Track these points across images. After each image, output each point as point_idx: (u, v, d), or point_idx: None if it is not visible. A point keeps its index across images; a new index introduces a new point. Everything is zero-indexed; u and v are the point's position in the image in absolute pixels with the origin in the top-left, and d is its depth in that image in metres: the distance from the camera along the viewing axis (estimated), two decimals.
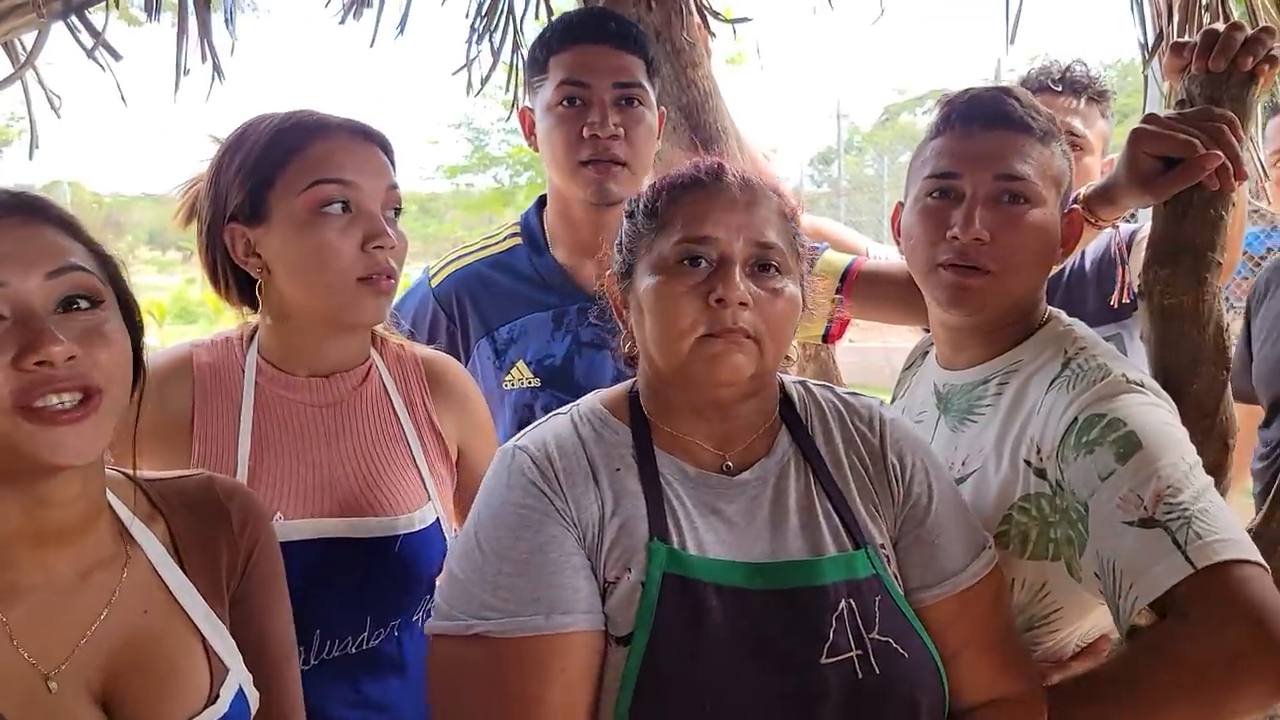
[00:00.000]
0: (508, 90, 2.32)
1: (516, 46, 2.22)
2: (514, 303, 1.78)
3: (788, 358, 1.22)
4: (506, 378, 1.76)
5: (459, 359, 1.79)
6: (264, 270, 1.31)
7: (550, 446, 1.14)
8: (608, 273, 1.24)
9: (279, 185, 1.27)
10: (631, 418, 1.19)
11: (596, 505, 1.10)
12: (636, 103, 1.71)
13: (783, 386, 1.24)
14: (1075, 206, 1.39)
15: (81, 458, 0.90)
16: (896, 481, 1.17)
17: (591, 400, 1.22)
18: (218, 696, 1.00)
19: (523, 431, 1.20)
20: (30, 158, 1.57)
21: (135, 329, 0.99)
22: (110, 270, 0.98)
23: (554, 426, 1.19)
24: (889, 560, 1.13)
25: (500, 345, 1.77)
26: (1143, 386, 1.23)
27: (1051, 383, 1.27)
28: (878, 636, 1.06)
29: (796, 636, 1.05)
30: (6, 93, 1.61)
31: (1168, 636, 1.08)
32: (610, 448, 1.16)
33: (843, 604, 1.07)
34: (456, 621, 1.06)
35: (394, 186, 1.33)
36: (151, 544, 1.02)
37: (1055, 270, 1.44)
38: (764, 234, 1.13)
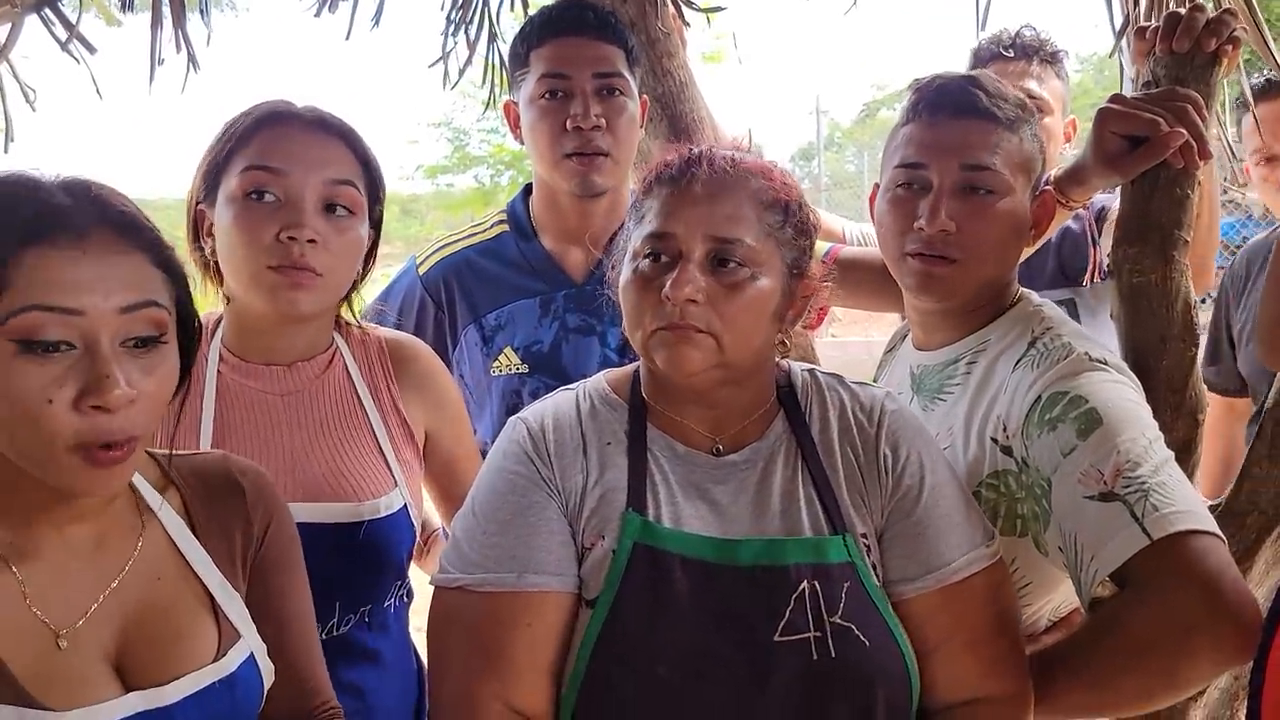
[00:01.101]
0: (484, 84, 2.32)
1: (493, 38, 2.23)
2: (501, 289, 1.79)
3: (782, 343, 1.21)
4: (494, 364, 1.76)
5: (447, 346, 1.80)
6: (214, 253, 1.33)
7: (547, 419, 1.20)
8: (614, 260, 1.25)
9: (227, 168, 1.29)
10: (631, 397, 1.22)
11: (581, 475, 1.15)
12: (618, 92, 1.71)
13: (789, 372, 1.25)
14: (1047, 188, 1.40)
15: (110, 492, 0.95)
16: (887, 472, 1.17)
17: (598, 378, 1.27)
18: (224, 656, 1.02)
19: (533, 404, 1.25)
20: (5, 151, 1.57)
21: (190, 339, 1.01)
22: (180, 289, 0.99)
23: (557, 401, 1.24)
24: (869, 549, 1.14)
25: (488, 332, 1.78)
26: (1105, 364, 1.25)
27: (1018, 362, 1.29)
28: (839, 621, 1.07)
29: (754, 612, 1.07)
30: None
31: (1122, 607, 1.10)
32: (604, 423, 1.20)
33: (804, 585, 1.08)
34: (447, 575, 1.13)
35: (343, 182, 1.30)
36: (168, 515, 1.05)
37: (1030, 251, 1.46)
38: (724, 229, 1.12)
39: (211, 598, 1.04)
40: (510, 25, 2.23)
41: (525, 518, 1.12)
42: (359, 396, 1.41)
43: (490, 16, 2.20)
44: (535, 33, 1.74)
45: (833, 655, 1.06)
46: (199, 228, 1.34)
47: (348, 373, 1.41)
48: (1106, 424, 1.16)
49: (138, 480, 1.04)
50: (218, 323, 1.39)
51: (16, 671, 0.90)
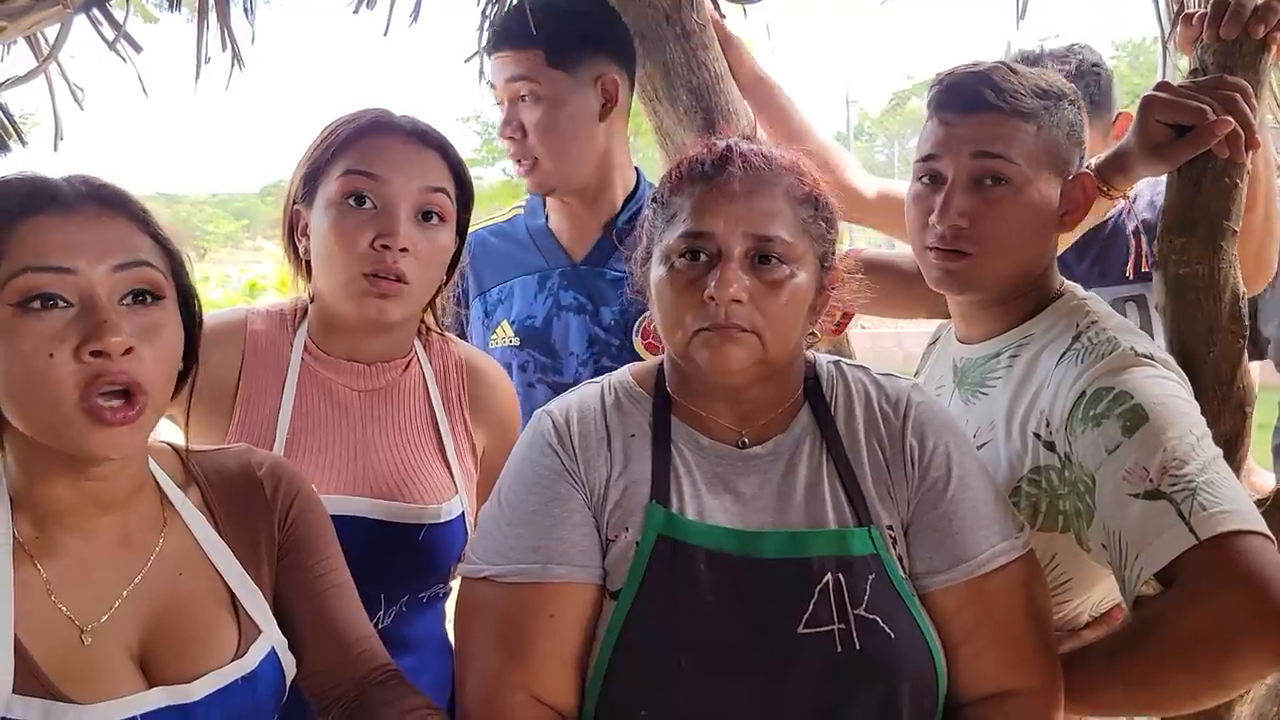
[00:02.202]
0: None
1: None
2: (506, 265, 1.86)
3: (813, 334, 1.21)
4: (492, 336, 1.82)
5: (464, 317, 1.86)
6: (308, 252, 1.37)
7: (572, 411, 1.21)
8: (635, 254, 1.26)
9: (326, 172, 1.32)
10: (656, 390, 1.22)
11: (606, 467, 1.16)
12: (530, 96, 1.75)
13: (815, 364, 1.25)
14: (1085, 172, 1.38)
15: (124, 453, 0.95)
16: (913, 464, 1.16)
17: (623, 372, 1.27)
18: (245, 652, 1.03)
19: (559, 396, 1.27)
20: (55, 149, 1.60)
21: (193, 320, 1.03)
22: (175, 264, 1.01)
23: (583, 393, 1.24)
24: (894, 542, 1.13)
25: (490, 305, 1.85)
26: (1152, 359, 1.23)
27: (1061, 356, 1.28)
28: (864, 613, 1.07)
29: (776, 605, 1.07)
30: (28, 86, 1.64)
31: (1168, 606, 1.09)
32: (629, 416, 1.20)
33: (828, 577, 1.08)
34: (473, 565, 1.15)
35: (437, 189, 1.34)
36: (190, 512, 1.06)
37: (1081, 230, 1.44)
38: (764, 226, 1.12)
39: (232, 594, 1.05)
40: None
41: (550, 509, 1.13)
42: (431, 403, 1.44)
43: (526, 10, 2.19)
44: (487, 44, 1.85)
45: (857, 647, 1.05)
46: (294, 227, 1.39)
47: (424, 379, 1.45)
48: (1153, 421, 1.15)
49: (160, 475, 1.06)
50: (304, 312, 1.42)
51: (42, 666, 0.92)
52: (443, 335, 1.51)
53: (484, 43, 1.85)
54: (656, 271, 1.17)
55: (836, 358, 1.28)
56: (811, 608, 1.06)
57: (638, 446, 1.17)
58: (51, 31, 1.56)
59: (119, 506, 1.01)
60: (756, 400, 1.19)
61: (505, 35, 1.77)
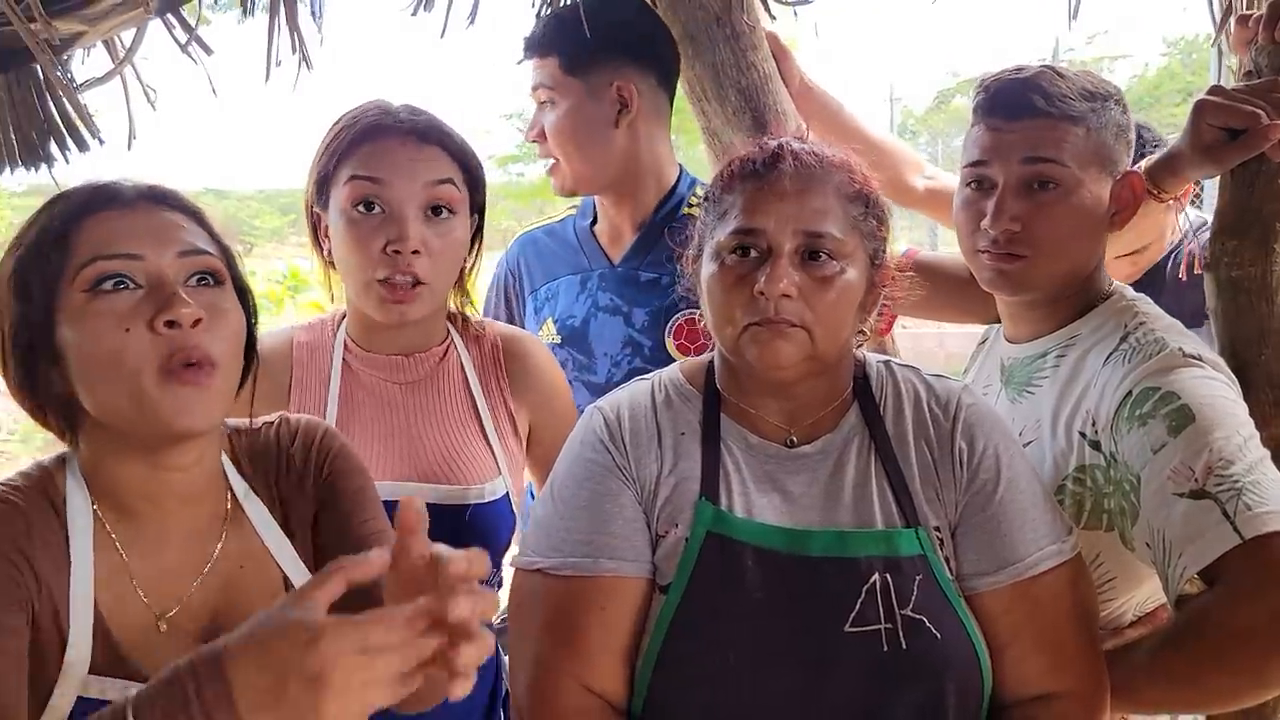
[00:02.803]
0: None
1: None
2: (554, 265, 1.91)
3: (863, 332, 1.23)
4: (540, 333, 1.88)
5: (521, 313, 1.94)
6: (330, 252, 1.41)
7: (623, 408, 1.23)
8: (687, 252, 1.27)
9: (335, 178, 1.36)
10: (706, 387, 1.24)
11: (656, 464, 1.18)
12: (548, 103, 1.79)
13: (864, 364, 1.26)
14: (1133, 172, 1.38)
15: (200, 423, 0.97)
16: (962, 465, 1.17)
17: (674, 369, 1.29)
18: None
19: (610, 393, 1.29)
20: (128, 149, 1.66)
21: (249, 313, 1.06)
22: (229, 258, 1.05)
23: (634, 390, 1.27)
24: (941, 543, 1.14)
25: (539, 304, 1.90)
26: (1200, 360, 1.23)
27: (1109, 356, 1.29)
28: (910, 613, 1.08)
29: (824, 603, 1.09)
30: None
31: (1211, 605, 1.09)
32: (678, 413, 1.22)
33: (876, 577, 1.09)
34: (527, 557, 1.17)
35: (442, 181, 1.35)
36: (253, 504, 1.09)
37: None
38: (814, 223, 1.13)
39: (288, 584, 1.08)
40: None
41: (601, 504, 1.15)
42: (470, 386, 1.47)
43: (581, 13, 2.23)
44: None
45: (903, 647, 1.06)
46: (317, 229, 1.43)
47: (461, 365, 1.48)
48: (1199, 421, 1.15)
49: (229, 468, 1.09)
50: (344, 316, 1.47)
51: (124, 648, 0.96)
52: (481, 323, 1.54)
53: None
54: (708, 268, 1.18)
55: (886, 358, 1.29)
56: (858, 607, 1.08)
57: (688, 444, 1.19)
58: (127, 35, 1.62)
59: (191, 500, 1.04)
60: (805, 397, 1.20)
61: (529, 43, 1.82)
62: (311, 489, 1.13)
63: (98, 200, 0.98)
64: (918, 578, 1.10)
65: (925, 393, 1.23)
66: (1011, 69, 1.39)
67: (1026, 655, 1.11)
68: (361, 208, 1.34)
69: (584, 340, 1.82)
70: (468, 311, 1.53)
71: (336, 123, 1.39)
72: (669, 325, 1.78)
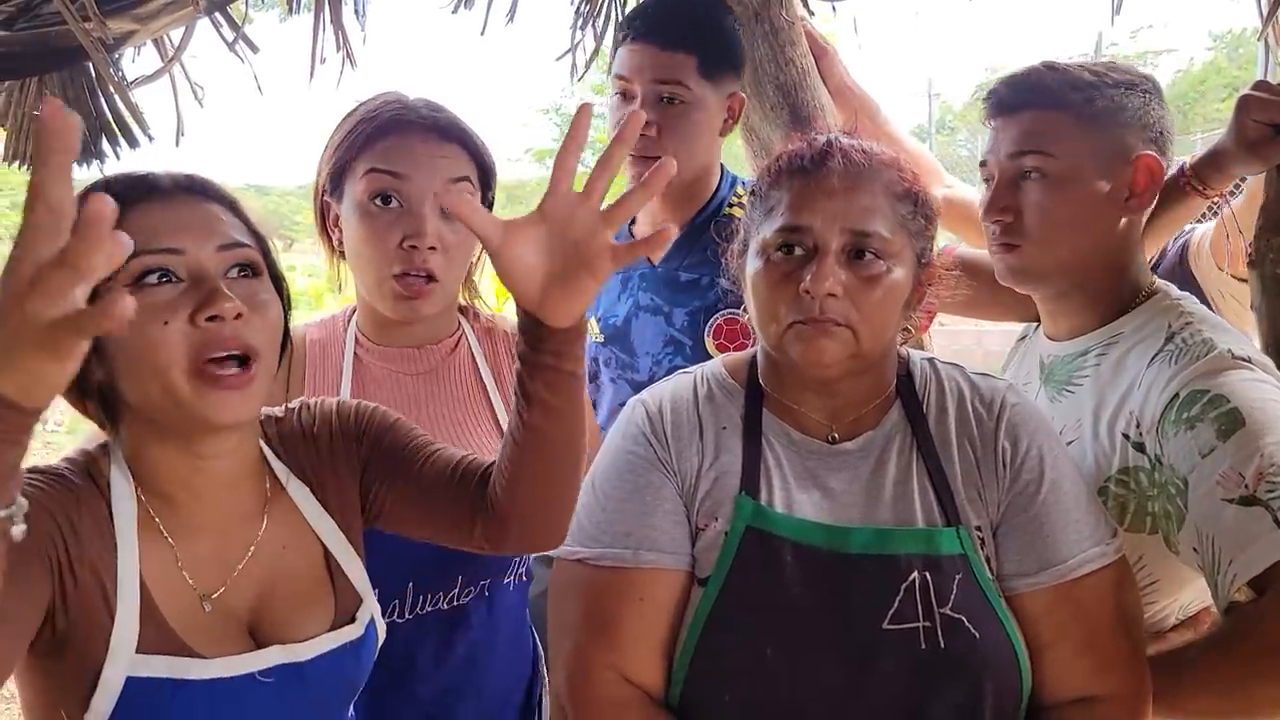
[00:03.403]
0: (609, 74, 2.37)
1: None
2: None
3: (907, 330, 1.22)
4: None
5: None
6: (341, 243, 1.41)
7: (665, 401, 1.23)
8: (732, 247, 1.27)
9: (351, 168, 1.36)
10: (748, 382, 1.24)
11: (697, 457, 1.18)
12: (677, 100, 1.75)
13: (908, 361, 1.25)
14: (1147, 153, 1.35)
15: (240, 419, 0.99)
16: (1005, 465, 1.16)
17: (716, 363, 1.29)
18: (354, 619, 1.09)
19: (652, 386, 1.29)
20: (176, 144, 1.70)
21: (284, 303, 1.07)
22: (264, 248, 1.06)
23: (676, 383, 1.26)
24: (982, 543, 1.13)
25: None
26: (1250, 362, 1.22)
27: (1154, 356, 1.27)
28: (949, 612, 1.07)
29: (863, 600, 1.08)
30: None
31: (1263, 614, 1.08)
32: (720, 407, 1.22)
33: (915, 575, 1.08)
34: (567, 547, 1.17)
35: (459, 179, 1.35)
36: (295, 486, 1.11)
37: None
38: (862, 221, 1.12)
39: (330, 565, 1.10)
40: None
41: (642, 496, 1.16)
42: (481, 376, 1.48)
43: (618, 9, 2.25)
44: (618, 34, 1.84)
45: (942, 646, 1.06)
46: (325, 218, 1.43)
47: (472, 354, 1.49)
48: (1249, 425, 1.13)
49: (268, 452, 1.11)
50: (353, 312, 1.48)
51: (171, 630, 0.98)
52: (490, 315, 1.54)
53: (619, 29, 1.85)
54: (752, 264, 1.18)
55: (931, 355, 1.29)
56: (897, 604, 1.07)
57: (729, 438, 1.19)
58: (176, 34, 1.66)
59: (232, 486, 1.05)
60: (848, 395, 1.19)
61: (657, 29, 1.77)
62: (346, 466, 1.14)
63: (137, 192, 0.99)
64: (957, 577, 1.09)
65: (969, 391, 1.22)
66: (1014, 71, 1.41)
67: (1068, 657, 1.11)
68: (379, 201, 1.33)
69: (626, 339, 1.83)
70: (478, 305, 1.53)
71: (352, 114, 1.39)
72: (708, 325, 1.78)
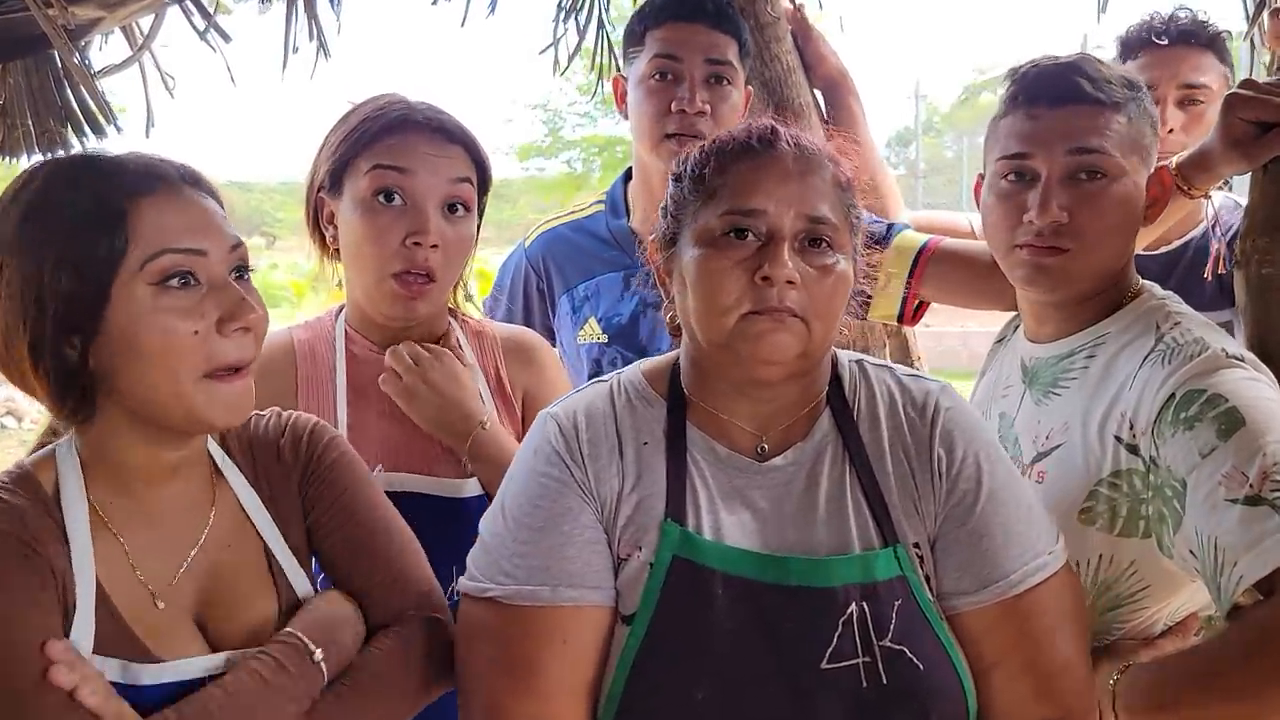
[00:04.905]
0: (591, 69, 2.36)
1: (601, 25, 2.26)
2: (591, 263, 1.88)
3: (841, 331, 1.17)
4: (580, 333, 1.86)
5: (548, 312, 1.91)
6: (335, 240, 1.41)
7: (580, 416, 1.13)
8: (650, 239, 1.20)
9: (353, 165, 1.36)
10: (670, 392, 1.16)
11: (617, 479, 1.10)
12: (726, 81, 1.76)
13: (836, 364, 1.18)
14: (1164, 164, 1.35)
15: (238, 420, 1.02)
16: (940, 475, 1.10)
17: (634, 370, 1.20)
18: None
19: (561, 398, 1.21)
20: (146, 136, 1.66)
21: None
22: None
23: (590, 395, 1.17)
24: (921, 561, 1.08)
25: (577, 302, 1.88)
26: (1243, 361, 1.20)
27: (1145, 357, 1.25)
28: (890, 644, 1.02)
29: (799, 637, 1.02)
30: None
31: (1273, 617, 1.06)
32: (641, 421, 1.14)
33: (853, 607, 1.03)
34: (476, 583, 1.08)
35: (461, 180, 1.37)
36: (239, 482, 1.10)
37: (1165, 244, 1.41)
38: (816, 207, 1.07)
39: (272, 562, 1.09)
40: (618, 13, 2.26)
41: (559, 526, 1.07)
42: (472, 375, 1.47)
43: (600, 4, 2.23)
44: (654, 13, 1.80)
45: (884, 682, 1.01)
46: (319, 214, 1.43)
47: (462, 354, 1.48)
48: (1250, 424, 1.11)
49: (212, 445, 1.10)
50: (339, 311, 1.48)
51: (126, 629, 0.97)
52: (479, 320, 1.55)
53: (646, 13, 1.82)
54: (690, 253, 1.10)
55: (860, 356, 1.22)
56: (835, 641, 1.02)
57: (650, 455, 1.11)
58: (145, 22, 1.62)
59: (180, 476, 1.05)
60: (782, 400, 1.13)
61: (702, 9, 1.77)
62: (297, 488, 1.13)
63: (149, 180, 0.99)
64: (896, 603, 1.04)
65: (900, 395, 1.15)
66: (1045, 58, 1.35)
67: (1014, 677, 1.06)
68: (382, 198, 1.34)
69: (633, 338, 1.82)
70: (468, 310, 1.54)
71: (354, 112, 1.39)
72: None
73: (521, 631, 1.04)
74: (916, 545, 1.08)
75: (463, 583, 1.10)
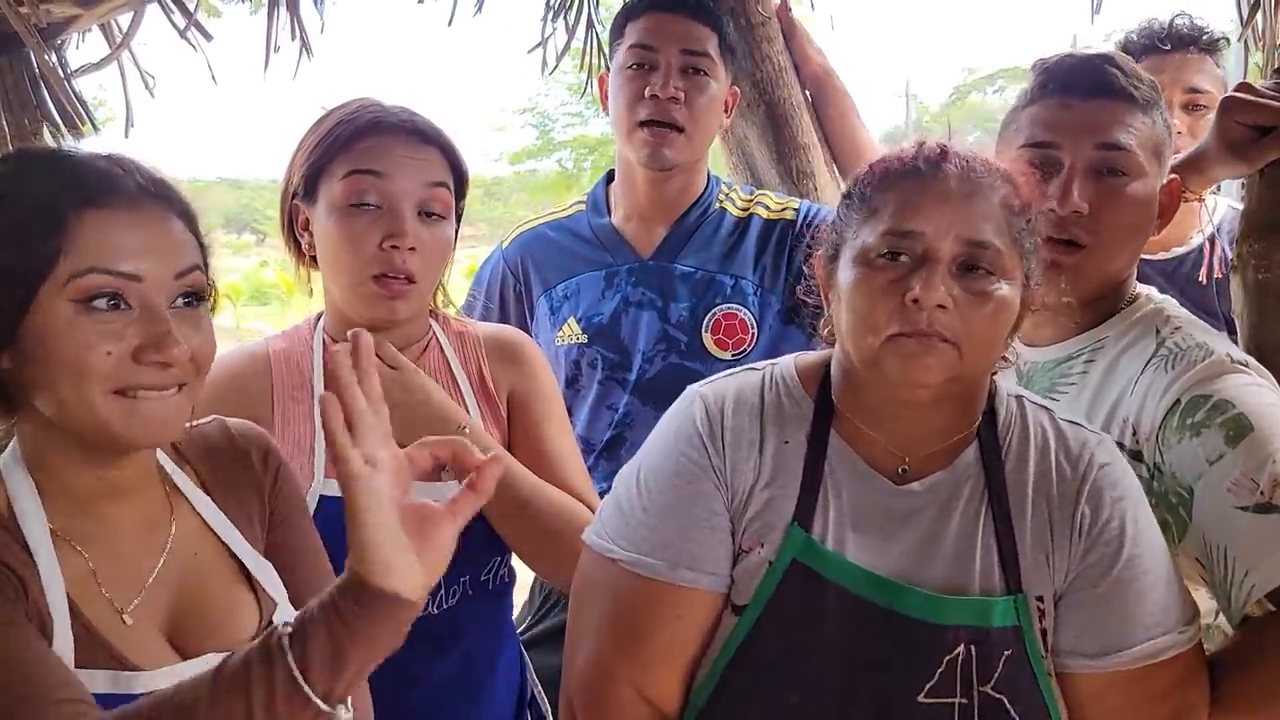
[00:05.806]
0: (581, 68, 2.33)
1: (591, 24, 2.24)
2: (571, 262, 1.86)
3: (1005, 359, 1.13)
4: (558, 334, 1.83)
5: (525, 315, 1.88)
6: (311, 247, 1.39)
7: (728, 403, 1.14)
8: (817, 252, 1.17)
9: (328, 171, 1.33)
10: (819, 394, 1.14)
11: (753, 473, 1.10)
12: (702, 72, 1.75)
13: (994, 396, 1.14)
14: (1174, 176, 1.34)
15: (162, 439, 0.97)
16: (1080, 534, 1.06)
17: (788, 363, 1.19)
18: (271, 624, 1.05)
19: (715, 376, 1.20)
20: (126, 135, 1.63)
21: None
22: (206, 259, 1.02)
23: (742, 381, 1.17)
24: (1042, 615, 1.05)
25: (555, 302, 1.85)
26: (1247, 366, 1.19)
27: (1147, 363, 1.23)
28: (991, 691, 1.01)
29: (901, 666, 1.02)
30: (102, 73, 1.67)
31: None
32: (787, 420, 1.13)
33: (960, 649, 1.02)
34: (603, 541, 1.11)
35: (437, 184, 1.35)
36: (193, 491, 1.07)
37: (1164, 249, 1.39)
38: (978, 231, 1.03)
39: (244, 569, 1.06)
40: (608, 13, 2.24)
41: (690, 509, 1.09)
42: (454, 377, 1.46)
43: (589, 2, 2.21)
44: (635, 5, 1.80)
45: None
46: (294, 221, 1.40)
47: (445, 357, 1.47)
48: (1258, 431, 1.10)
49: (163, 459, 1.07)
50: (318, 318, 1.45)
51: (102, 643, 0.94)
52: (461, 321, 1.53)
53: (627, 5, 1.84)
54: (848, 272, 1.08)
55: (1021, 392, 1.18)
56: (937, 677, 1.01)
57: (790, 456, 1.10)
58: (124, 20, 1.59)
59: (134, 492, 1.02)
60: (931, 423, 1.10)
61: (687, 1, 1.77)
62: (267, 496, 1.11)
63: (100, 192, 0.93)
64: (1006, 654, 1.02)
65: (1055, 440, 1.10)
66: (1079, 49, 1.34)
67: None
68: (357, 204, 1.32)
69: (615, 337, 1.79)
70: (448, 311, 1.52)
71: (327, 117, 1.37)
72: (706, 319, 1.76)
73: (637, 598, 1.07)
74: (1040, 598, 1.05)
75: (589, 536, 1.13)
